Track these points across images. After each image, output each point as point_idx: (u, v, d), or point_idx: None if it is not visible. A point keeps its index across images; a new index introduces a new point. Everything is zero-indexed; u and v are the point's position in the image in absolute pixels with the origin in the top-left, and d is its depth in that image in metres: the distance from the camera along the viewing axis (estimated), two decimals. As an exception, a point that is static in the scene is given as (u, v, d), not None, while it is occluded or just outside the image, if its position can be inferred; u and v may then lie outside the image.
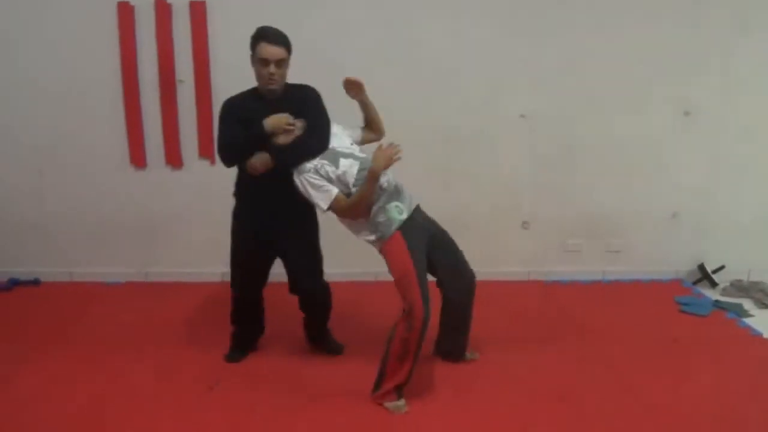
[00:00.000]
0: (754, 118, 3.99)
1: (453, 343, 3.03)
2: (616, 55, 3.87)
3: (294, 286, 3.02)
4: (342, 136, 2.80)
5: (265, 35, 2.64)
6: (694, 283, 4.18)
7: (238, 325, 3.13)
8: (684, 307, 3.77)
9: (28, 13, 3.76)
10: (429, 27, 3.81)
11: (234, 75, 3.80)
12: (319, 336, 3.19)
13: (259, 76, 2.69)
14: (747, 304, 3.83)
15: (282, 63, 2.66)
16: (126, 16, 3.74)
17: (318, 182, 2.61)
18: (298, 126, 2.68)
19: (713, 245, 4.19)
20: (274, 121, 2.64)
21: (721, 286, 4.09)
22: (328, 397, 2.78)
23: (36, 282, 4.12)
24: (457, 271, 2.89)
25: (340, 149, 2.70)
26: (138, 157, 3.96)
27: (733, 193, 4.10)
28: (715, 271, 4.12)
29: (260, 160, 2.67)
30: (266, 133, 2.64)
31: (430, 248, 2.77)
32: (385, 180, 2.67)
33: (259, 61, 2.65)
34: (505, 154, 4.02)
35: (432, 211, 2.86)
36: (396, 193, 2.70)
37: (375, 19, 3.80)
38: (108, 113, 3.89)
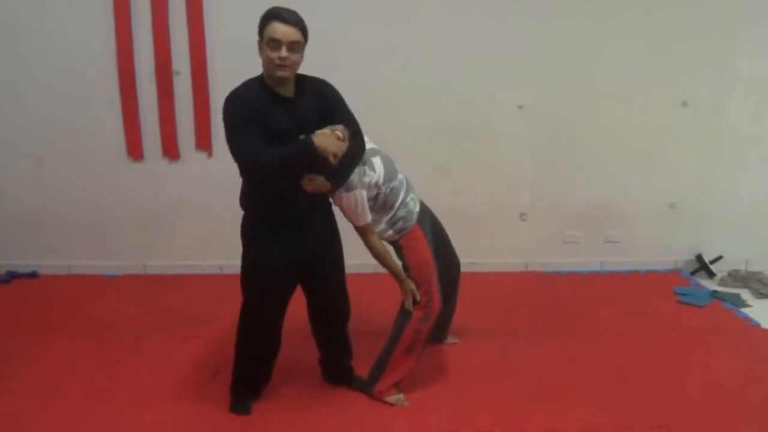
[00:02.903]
0: (751, 108, 3.98)
1: (437, 325, 2.98)
2: (614, 46, 3.86)
3: (328, 310, 2.68)
4: None
5: (277, 14, 2.24)
6: (692, 273, 4.18)
7: (252, 370, 2.65)
8: (682, 298, 3.77)
9: (25, 5, 3.73)
10: (427, 20, 3.79)
11: (231, 67, 3.80)
12: (345, 367, 2.83)
13: (267, 62, 2.27)
14: (745, 294, 3.84)
15: (295, 47, 2.25)
16: (122, 7, 3.71)
17: (365, 201, 2.42)
18: (346, 136, 2.31)
19: (711, 236, 4.20)
20: (327, 142, 2.23)
21: (719, 276, 4.10)
22: (327, 387, 2.79)
23: (33, 274, 4.11)
24: (449, 257, 2.88)
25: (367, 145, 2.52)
26: (135, 150, 3.95)
27: (731, 184, 4.10)
28: (712, 262, 4.13)
29: (315, 186, 2.32)
30: (316, 152, 2.22)
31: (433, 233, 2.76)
32: (402, 176, 2.62)
33: (268, 43, 2.23)
34: (504, 145, 4.01)
35: (431, 203, 2.85)
36: (409, 185, 2.65)
37: (373, 13, 3.77)
38: (104, 106, 3.87)
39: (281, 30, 2.22)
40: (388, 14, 3.77)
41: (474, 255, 3.94)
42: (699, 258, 4.17)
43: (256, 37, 3.93)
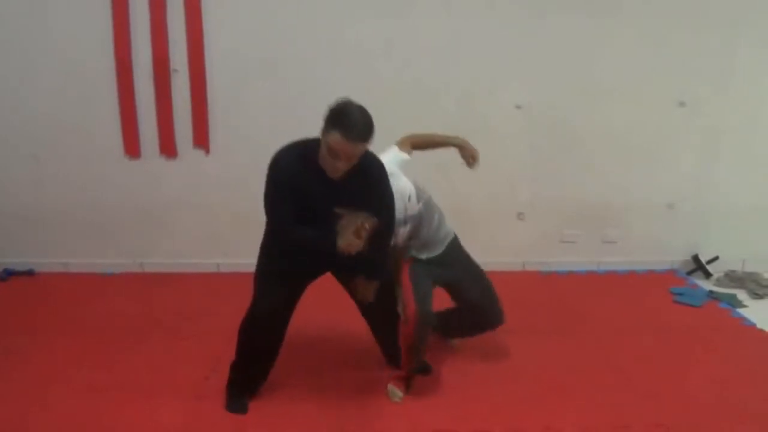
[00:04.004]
0: (749, 109, 3.99)
1: (448, 323, 2.96)
2: (612, 46, 3.86)
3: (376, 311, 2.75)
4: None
5: (343, 125, 2.13)
6: (689, 273, 4.19)
7: (252, 369, 2.66)
8: (678, 298, 3.78)
9: (22, 3, 3.70)
10: (425, 19, 3.78)
11: (229, 64, 3.81)
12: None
13: (323, 158, 2.23)
14: (741, 295, 3.85)
15: (355, 159, 2.21)
16: (120, 5, 3.69)
17: None
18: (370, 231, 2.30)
19: (708, 236, 4.21)
20: (348, 243, 2.23)
21: (715, 276, 4.11)
22: (325, 387, 2.79)
23: (30, 272, 4.10)
24: (480, 308, 2.87)
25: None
26: (132, 147, 3.94)
27: (728, 185, 4.11)
28: (709, 262, 4.14)
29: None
30: (336, 249, 2.24)
31: (454, 282, 2.83)
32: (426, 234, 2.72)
33: (328, 149, 2.17)
34: (501, 144, 4.00)
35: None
36: (423, 246, 2.73)
37: (372, 12, 3.76)
38: (102, 103, 3.85)
39: (343, 146, 2.15)
40: (387, 13, 3.76)
41: (471, 254, 3.94)
42: (695, 258, 4.18)
43: (253, 35, 3.94)
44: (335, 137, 2.13)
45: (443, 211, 2.85)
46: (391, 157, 2.59)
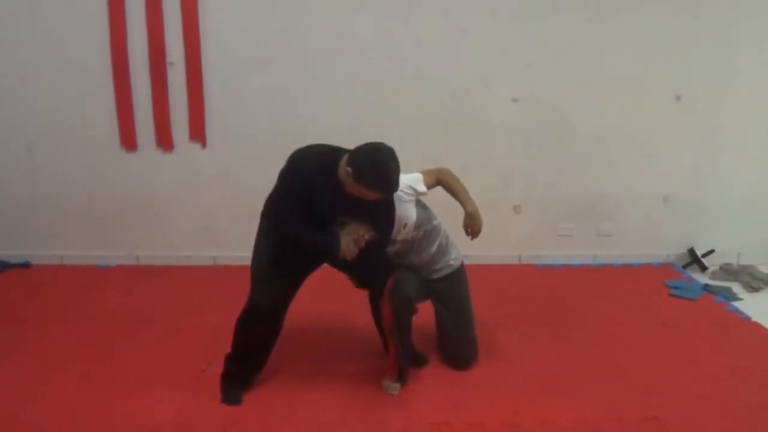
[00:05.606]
0: (746, 103, 3.99)
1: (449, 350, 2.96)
2: (608, 39, 3.86)
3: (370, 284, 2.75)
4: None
5: (384, 188, 2.30)
6: (684, 266, 4.20)
7: (248, 362, 2.67)
8: (674, 291, 3.79)
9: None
10: (423, 12, 3.78)
11: (225, 57, 3.80)
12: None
13: (348, 187, 2.33)
14: (736, 288, 3.86)
15: None
16: (115, -4, 3.69)
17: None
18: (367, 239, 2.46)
19: (703, 229, 4.22)
20: (348, 249, 2.40)
21: (711, 269, 4.12)
22: (319, 378, 2.79)
23: (26, 265, 4.10)
24: (457, 346, 2.90)
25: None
26: (128, 140, 3.93)
27: (724, 178, 4.12)
28: (704, 255, 4.15)
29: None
30: (336, 253, 2.42)
31: (435, 303, 2.88)
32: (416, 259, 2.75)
33: (360, 192, 2.31)
34: (497, 137, 4.01)
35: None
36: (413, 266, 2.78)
37: (369, 5, 3.76)
38: (98, 96, 3.84)
39: (380, 197, 2.34)
40: (385, 6, 3.75)
41: (467, 247, 3.94)
42: (691, 251, 4.19)
43: (250, 28, 3.92)
44: (376, 194, 2.31)
45: (439, 206, 2.84)
46: (408, 181, 2.64)
